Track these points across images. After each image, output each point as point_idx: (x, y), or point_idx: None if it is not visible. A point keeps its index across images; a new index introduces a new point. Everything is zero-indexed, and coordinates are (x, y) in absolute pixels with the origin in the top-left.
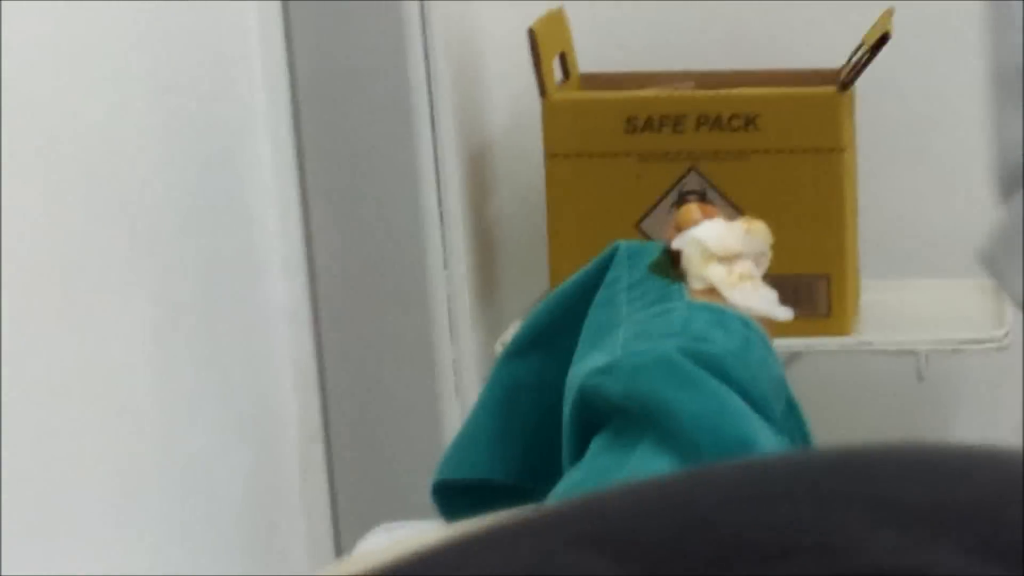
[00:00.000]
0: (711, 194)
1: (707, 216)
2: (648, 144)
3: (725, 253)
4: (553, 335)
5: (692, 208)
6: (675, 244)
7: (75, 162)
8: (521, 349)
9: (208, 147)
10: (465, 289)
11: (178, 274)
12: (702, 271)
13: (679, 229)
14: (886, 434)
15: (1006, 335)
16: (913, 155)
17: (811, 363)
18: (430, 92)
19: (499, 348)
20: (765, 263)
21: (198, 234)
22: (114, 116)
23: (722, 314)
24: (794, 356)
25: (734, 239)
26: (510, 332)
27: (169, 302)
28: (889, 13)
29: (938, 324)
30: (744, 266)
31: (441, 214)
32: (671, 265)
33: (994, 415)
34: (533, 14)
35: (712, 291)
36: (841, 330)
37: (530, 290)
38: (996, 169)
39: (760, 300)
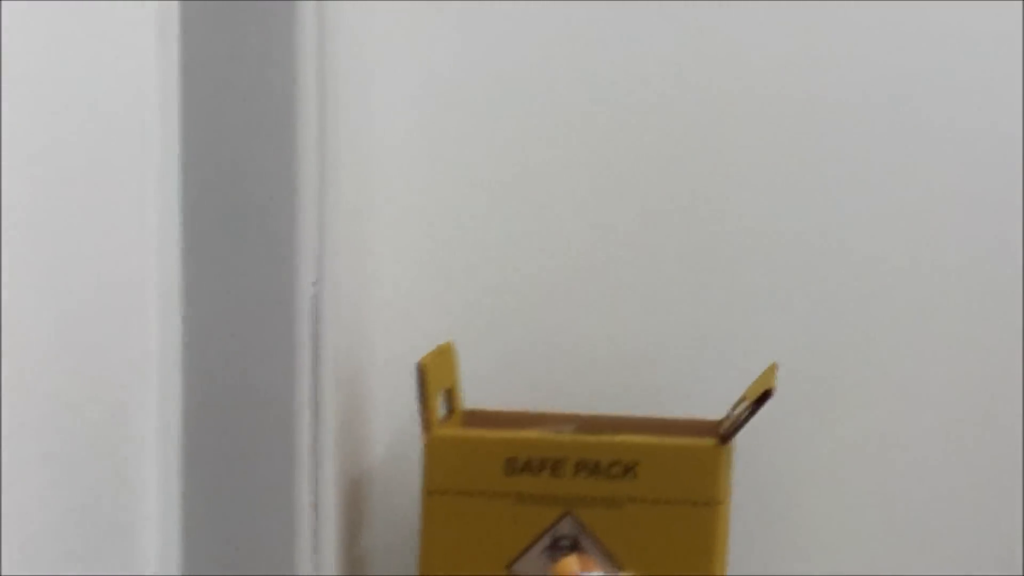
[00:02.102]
0: (584, 540)
1: (584, 569)
2: (526, 486)
3: None
4: None
5: (570, 561)
6: None
7: None
8: None
9: (95, 474)
10: None
11: None
12: None
13: None
14: None
15: None
16: (786, 512)
17: None
18: (313, 419)
19: None
20: None
21: (77, 565)
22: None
23: None
24: None
25: None
26: None
27: None
28: (773, 369)
29: None
30: None
31: (315, 546)
32: None
33: None
34: (423, 345)
35: None
36: None
37: None
38: None
39: None
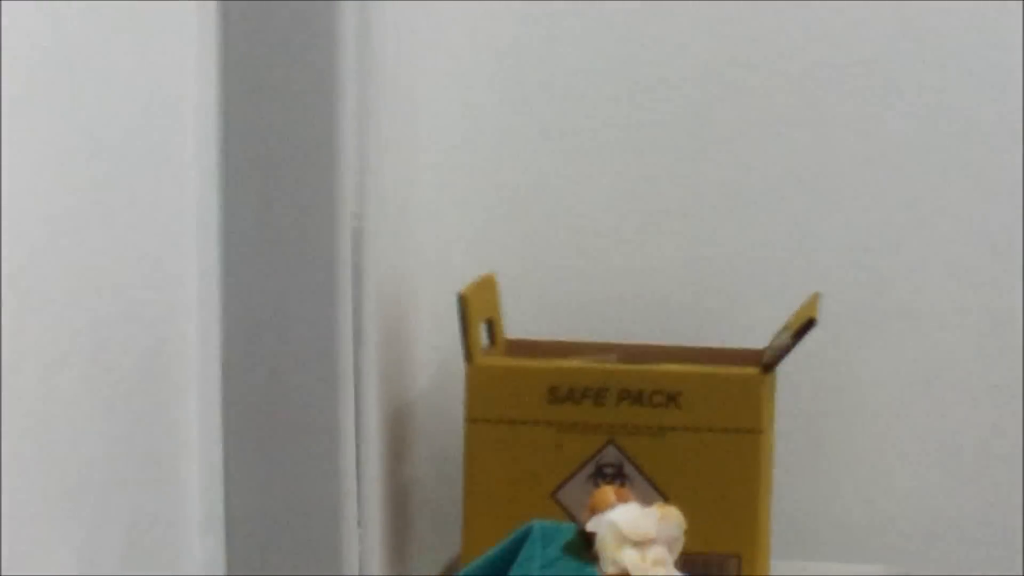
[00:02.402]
0: (628, 468)
1: (622, 500)
2: (569, 415)
3: (639, 538)
4: None
5: (607, 491)
6: (590, 526)
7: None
8: None
9: (136, 408)
10: (377, 548)
11: (101, 532)
12: (616, 555)
13: (594, 511)
14: None
15: None
16: (829, 441)
17: None
18: (356, 348)
19: None
20: (678, 548)
21: (123, 493)
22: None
23: None
24: None
25: (649, 524)
26: None
27: (92, 559)
28: (816, 298)
29: None
30: (658, 551)
31: (359, 472)
32: (585, 547)
33: None
34: (465, 277)
35: (626, 574)
36: None
37: (443, 552)
38: None
39: None
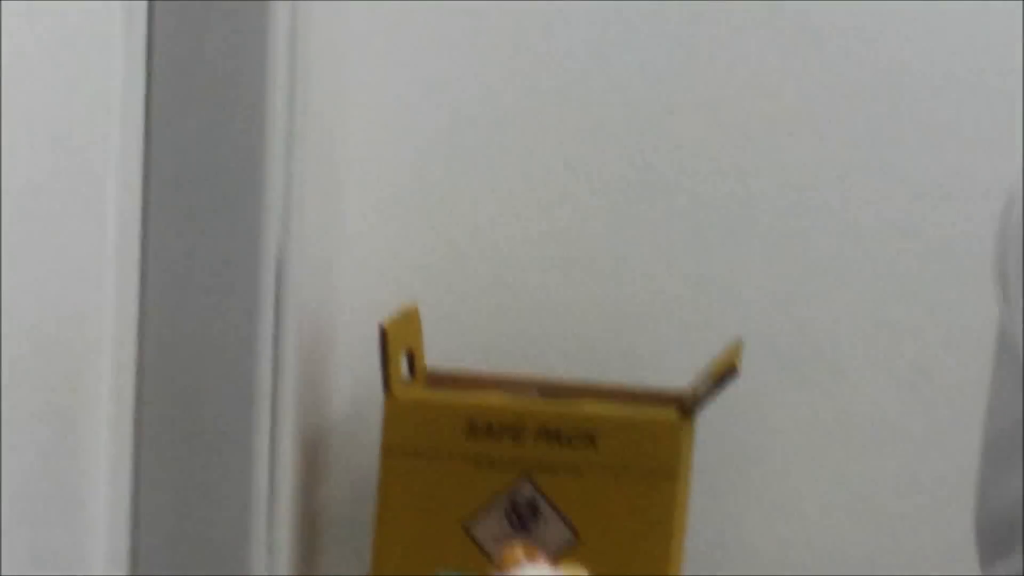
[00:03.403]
0: (542, 505)
1: (530, 559)
2: (486, 449)
3: None
4: None
5: (515, 549)
6: None
7: None
8: None
9: (44, 439)
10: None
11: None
12: None
13: (500, 569)
14: None
15: None
16: (745, 486)
17: None
18: (274, 377)
19: None
20: None
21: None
22: None
23: None
24: None
25: None
26: None
27: None
28: (738, 345)
29: None
30: None
31: (271, 499)
32: None
33: None
34: (388, 307)
35: None
36: None
37: None
38: (983, 530)
39: None
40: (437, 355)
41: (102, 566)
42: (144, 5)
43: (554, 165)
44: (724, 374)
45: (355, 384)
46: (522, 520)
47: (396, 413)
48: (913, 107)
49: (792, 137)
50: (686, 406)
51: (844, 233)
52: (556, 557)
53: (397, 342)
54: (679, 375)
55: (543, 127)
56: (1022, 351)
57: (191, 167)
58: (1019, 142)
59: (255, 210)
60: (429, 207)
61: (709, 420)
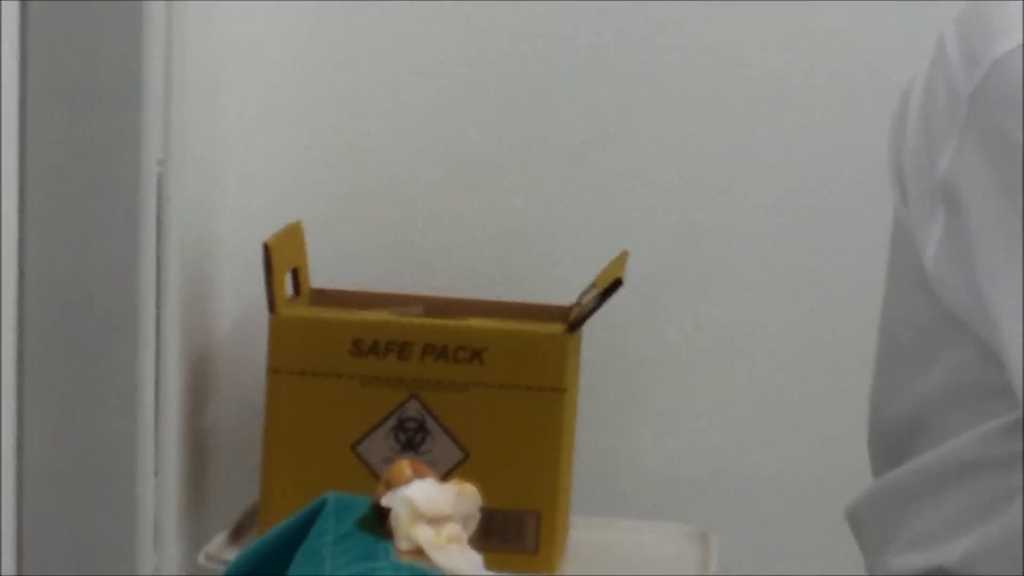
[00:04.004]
0: (430, 423)
1: (418, 475)
2: (372, 368)
3: (435, 515)
4: None
5: (403, 465)
6: (384, 501)
7: None
8: None
9: None
10: (173, 497)
11: None
12: (410, 531)
13: (389, 486)
14: None
15: None
16: (633, 399)
17: None
18: (158, 293)
19: (202, 559)
20: (473, 525)
21: None
22: None
23: None
24: None
25: (444, 501)
26: (215, 543)
27: None
28: (624, 257)
29: (643, 567)
30: (452, 528)
31: (157, 418)
32: (379, 522)
33: None
34: (271, 225)
35: (419, 551)
36: (547, 568)
37: (240, 502)
38: (877, 437)
39: (467, 564)
40: (321, 274)
41: None
42: None
43: (439, 76)
44: (610, 286)
45: (240, 303)
46: (410, 439)
47: (281, 331)
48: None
49: (676, 38)
50: (572, 320)
51: (728, 140)
52: (446, 475)
53: (281, 260)
54: (565, 290)
55: (427, 34)
56: (918, 244)
57: (69, 75)
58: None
59: (135, 124)
60: (313, 123)
61: (595, 333)
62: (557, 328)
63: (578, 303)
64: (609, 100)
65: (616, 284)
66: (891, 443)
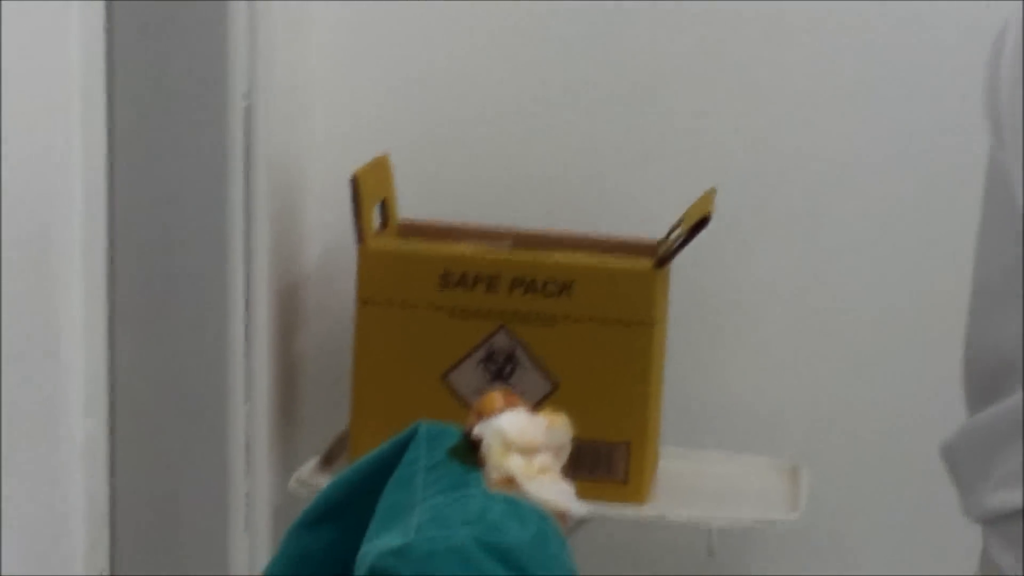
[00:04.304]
0: (519, 354)
1: (510, 405)
2: (460, 300)
3: (525, 445)
4: (347, 510)
5: (495, 396)
6: (476, 431)
7: None
8: (313, 521)
9: (16, 284)
10: (264, 424)
11: None
12: (501, 461)
13: (480, 416)
14: None
15: (797, 517)
16: (721, 334)
17: (604, 530)
18: (247, 225)
19: (294, 484)
20: (565, 455)
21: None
22: None
23: (518, 506)
24: (587, 522)
25: (535, 432)
26: (306, 469)
27: None
28: (712, 194)
29: (732, 500)
30: (544, 459)
31: (247, 347)
32: (471, 452)
33: None
34: (359, 157)
35: (510, 481)
36: (637, 498)
37: (329, 430)
38: (972, 374)
39: (557, 494)
40: (410, 206)
41: (81, 412)
42: None
43: (522, 12)
44: (698, 222)
45: (328, 234)
46: (499, 370)
47: (370, 263)
48: None
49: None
50: (660, 255)
51: (819, 76)
52: (534, 406)
53: (369, 192)
54: (654, 224)
55: None
56: (1018, 187)
57: (155, 11)
58: None
59: (220, 59)
60: (401, 56)
61: (685, 269)
62: (646, 263)
63: (666, 238)
64: (701, 36)
65: (704, 220)
66: (985, 383)
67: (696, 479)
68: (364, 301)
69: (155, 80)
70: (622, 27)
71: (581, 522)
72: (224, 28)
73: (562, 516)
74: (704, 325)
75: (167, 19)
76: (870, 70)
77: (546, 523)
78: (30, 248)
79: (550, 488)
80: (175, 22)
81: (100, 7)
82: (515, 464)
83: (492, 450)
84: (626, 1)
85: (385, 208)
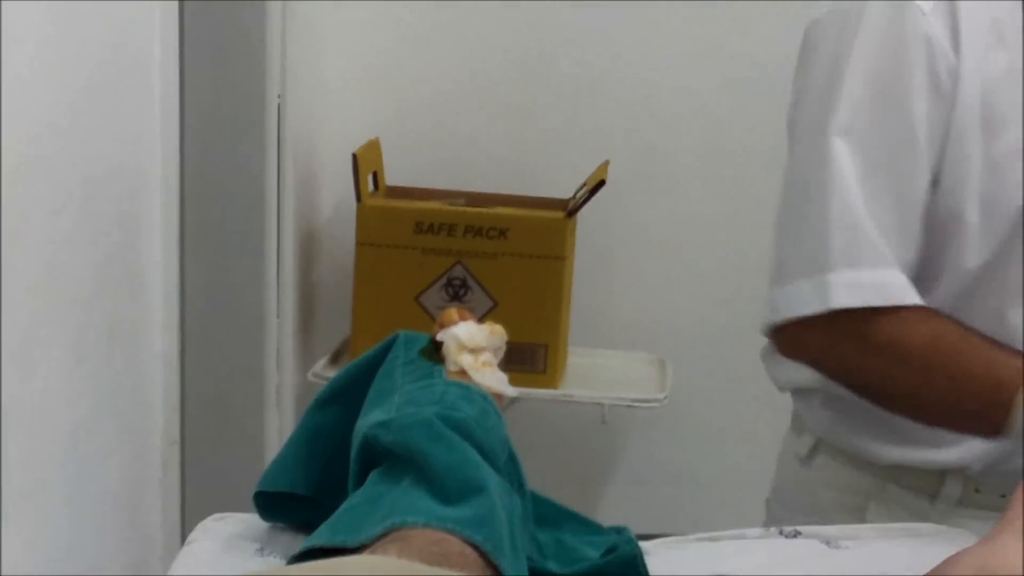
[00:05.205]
0: (470, 281)
1: (463, 318)
2: (429, 242)
3: (474, 346)
4: (348, 394)
5: (452, 311)
6: (438, 337)
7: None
8: (324, 402)
9: (116, 240)
10: (290, 334)
11: (89, 329)
12: (456, 358)
13: (442, 326)
14: (579, 461)
15: (665, 397)
16: (614, 266)
17: (528, 407)
18: (279, 188)
19: (311, 376)
20: (501, 354)
21: (106, 300)
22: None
23: (468, 390)
24: (516, 401)
25: (481, 337)
26: (319, 365)
27: (81, 353)
28: (606, 165)
29: (619, 385)
30: (486, 356)
31: (279, 277)
32: (435, 352)
33: (653, 453)
34: (358, 141)
35: (463, 373)
36: (552, 384)
37: (337, 336)
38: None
39: (496, 381)
40: (394, 175)
41: (160, 325)
42: None
43: (481, 39)
44: (596, 185)
45: (337, 195)
46: (456, 293)
47: (365, 216)
48: None
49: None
50: (569, 209)
51: (683, 86)
52: (481, 318)
53: (365, 165)
54: (565, 187)
55: (476, 12)
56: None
57: (218, 44)
58: None
59: (261, 72)
60: (385, 66)
61: (587, 219)
62: (559, 214)
63: (574, 196)
64: (602, 65)
65: (600, 184)
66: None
67: (594, 369)
68: (361, 243)
69: (217, 85)
70: (544, 55)
71: (513, 401)
72: (264, 46)
73: (499, 397)
74: (600, 259)
75: (225, 48)
76: (736, 61)
77: (488, 403)
78: (123, 210)
79: (491, 377)
80: (232, 41)
81: (173, 47)
82: (466, 360)
83: (449, 350)
84: (544, 15)
85: (376, 177)
